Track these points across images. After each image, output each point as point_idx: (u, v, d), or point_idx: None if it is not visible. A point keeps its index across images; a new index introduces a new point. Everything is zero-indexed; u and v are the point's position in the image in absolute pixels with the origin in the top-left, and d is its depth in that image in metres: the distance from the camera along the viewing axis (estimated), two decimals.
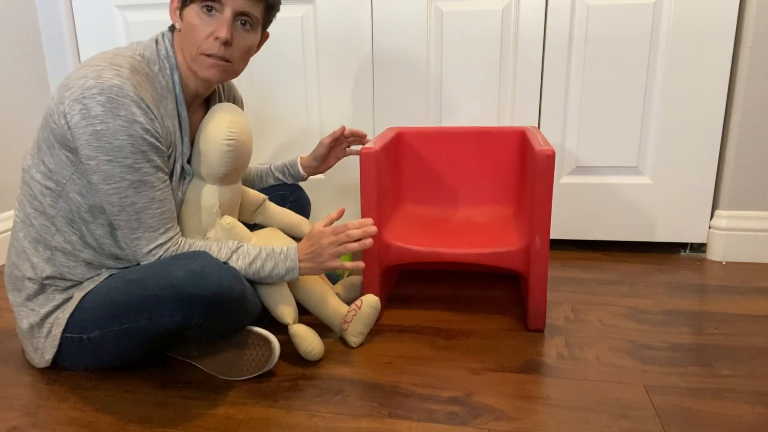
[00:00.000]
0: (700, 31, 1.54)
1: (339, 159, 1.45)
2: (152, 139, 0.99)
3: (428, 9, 1.66)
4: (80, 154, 0.97)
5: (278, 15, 1.73)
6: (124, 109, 0.95)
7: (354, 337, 1.19)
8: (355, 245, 1.11)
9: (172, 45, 1.08)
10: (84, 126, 0.95)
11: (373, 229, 1.13)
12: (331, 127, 1.79)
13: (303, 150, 1.83)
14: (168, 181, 1.05)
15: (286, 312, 1.14)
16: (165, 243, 1.03)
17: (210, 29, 1.02)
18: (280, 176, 1.43)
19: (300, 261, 1.11)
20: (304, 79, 1.77)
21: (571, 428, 0.93)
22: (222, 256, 1.07)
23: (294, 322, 1.15)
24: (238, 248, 1.09)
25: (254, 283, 1.12)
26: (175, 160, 1.08)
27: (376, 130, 1.78)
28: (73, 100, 0.95)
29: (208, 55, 1.03)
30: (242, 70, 1.11)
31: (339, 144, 1.43)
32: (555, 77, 1.64)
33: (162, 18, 1.81)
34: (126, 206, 1.00)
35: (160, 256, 1.03)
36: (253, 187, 1.42)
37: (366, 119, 1.77)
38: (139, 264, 1.06)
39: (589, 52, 1.61)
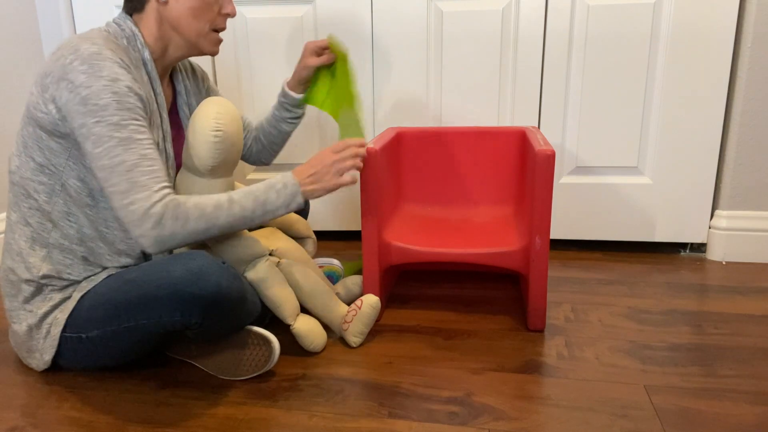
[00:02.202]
0: (700, 31, 1.54)
1: None
2: (135, 98, 0.99)
3: (428, 9, 1.66)
4: (73, 130, 0.98)
5: (278, 15, 1.73)
6: (105, 70, 0.96)
7: (354, 337, 1.19)
8: (356, 160, 1.15)
9: (135, 25, 1.09)
10: (72, 98, 0.96)
11: (364, 150, 1.18)
12: (331, 127, 1.79)
13: (302, 149, 1.83)
14: (155, 145, 1.03)
15: (287, 312, 1.14)
16: (162, 199, 0.97)
17: (218, 6, 1.11)
18: (287, 114, 1.36)
19: (302, 185, 1.09)
20: None
21: (571, 428, 0.93)
22: (223, 198, 1.02)
23: (295, 322, 1.15)
24: (235, 193, 1.05)
25: (253, 281, 1.13)
26: (154, 129, 1.07)
27: (376, 130, 1.78)
28: (57, 80, 0.97)
29: (217, 31, 1.13)
30: None
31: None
32: (555, 77, 1.64)
33: None
34: (116, 166, 0.96)
35: (161, 214, 0.96)
36: (274, 144, 1.41)
37: (366, 119, 1.77)
38: (132, 239, 1.05)
39: (589, 52, 1.61)
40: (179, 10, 1.08)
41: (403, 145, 1.59)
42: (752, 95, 1.55)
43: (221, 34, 1.74)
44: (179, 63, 1.23)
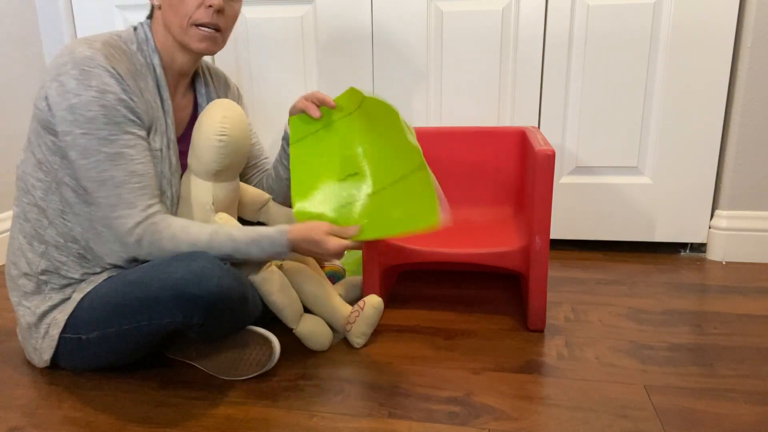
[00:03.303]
0: (700, 31, 1.54)
1: None
2: (126, 110, 0.98)
3: (428, 9, 1.66)
4: (58, 132, 0.98)
5: (278, 15, 1.73)
6: (95, 79, 0.96)
7: (358, 338, 1.19)
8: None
9: (151, 29, 1.08)
10: (60, 101, 0.96)
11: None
12: None
13: None
14: (149, 156, 1.03)
15: (290, 317, 1.14)
16: (144, 221, 1.00)
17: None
18: (282, 153, 1.24)
19: (292, 243, 1.04)
20: (304, 79, 1.77)
21: (571, 428, 0.93)
22: (202, 239, 1.02)
23: (298, 325, 1.15)
24: (219, 230, 1.03)
25: (256, 285, 1.12)
26: (159, 135, 1.06)
27: None
28: (49, 79, 0.97)
29: (200, 25, 1.04)
30: (227, 41, 1.12)
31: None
32: (555, 77, 1.64)
33: None
34: (105, 180, 0.98)
35: (140, 236, 1.00)
36: (272, 190, 1.30)
37: None
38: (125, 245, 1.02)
39: (589, 52, 1.61)
40: (167, 7, 1.05)
41: None
42: (752, 95, 1.55)
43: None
44: (206, 76, 1.21)
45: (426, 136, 1.59)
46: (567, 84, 1.64)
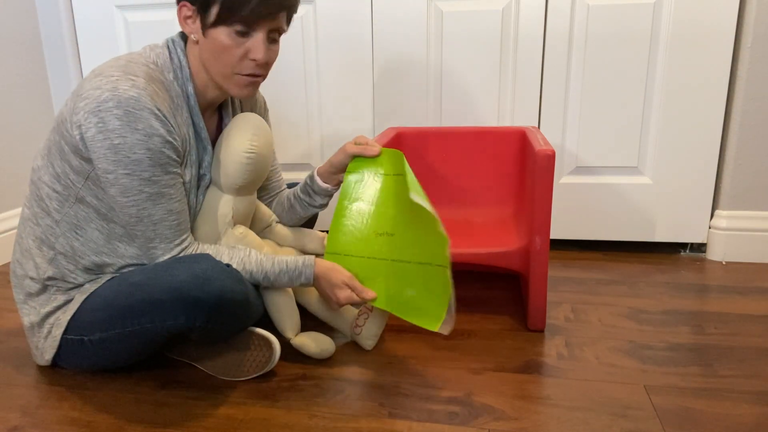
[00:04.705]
0: (700, 31, 1.54)
1: None
2: (170, 152, 0.98)
3: (428, 9, 1.66)
4: (97, 167, 0.97)
5: None
6: (141, 122, 0.94)
7: (368, 340, 1.19)
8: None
9: (185, 54, 1.05)
10: (101, 140, 0.94)
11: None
12: (330, 127, 1.80)
13: (301, 149, 1.83)
14: (184, 191, 1.04)
15: (288, 326, 1.14)
16: (179, 254, 1.03)
17: (243, 50, 1.00)
18: (307, 199, 1.24)
19: (315, 276, 1.10)
20: (304, 79, 1.77)
21: (571, 428, 0.93)
22: (233, 266, 1.05)
23: (295, 335, 1.15)
24: (249, 257, 1.07)
25: (258, 288, 1.12)
26: (189, 167, 1.06)
27: (376, 130, 1.78)
28: (88, 112, 0.93)
29: (245, 75, 1.02)
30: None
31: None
32: (555, 77, 1.64)
33: (162, 18, 1.81)
34: (143, 218, 1.00)
35: None
36: (281, 217, 1.30)
37: (366, 119, 1.77)
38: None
39: (589, 52, 1.61)
40: (206, 49, 1.02)
41: (403, 145, 1.59)
42: (752, 95, 1.55)
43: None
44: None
45: (426, 136, 1.59)
46: (567, 84, 1.64)
